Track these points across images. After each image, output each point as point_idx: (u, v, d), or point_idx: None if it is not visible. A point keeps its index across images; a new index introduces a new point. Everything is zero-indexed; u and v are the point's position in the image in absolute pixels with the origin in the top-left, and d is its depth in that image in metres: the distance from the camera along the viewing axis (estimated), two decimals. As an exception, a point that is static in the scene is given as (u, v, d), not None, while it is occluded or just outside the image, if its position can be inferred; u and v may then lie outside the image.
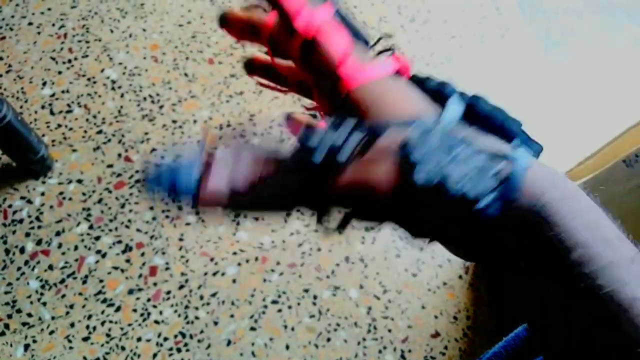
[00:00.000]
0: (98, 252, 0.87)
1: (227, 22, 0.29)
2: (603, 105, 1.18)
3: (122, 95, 1.02)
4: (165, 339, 0.82)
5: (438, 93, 0.24)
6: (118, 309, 0.83)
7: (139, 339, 0.81)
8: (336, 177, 0.21)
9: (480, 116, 0.23)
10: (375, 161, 0.21)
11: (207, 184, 0.21)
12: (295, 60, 0.26)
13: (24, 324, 0.81)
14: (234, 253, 0.89)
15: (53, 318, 0.81)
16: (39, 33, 1.07)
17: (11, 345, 0.79)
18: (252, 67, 0.30)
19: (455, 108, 0.23)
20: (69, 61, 1.05)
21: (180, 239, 0.89)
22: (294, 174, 0.21)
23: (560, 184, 0.21)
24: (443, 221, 0.22)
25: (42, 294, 0.83)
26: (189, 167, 0.22)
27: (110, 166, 0.95)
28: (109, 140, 0.97)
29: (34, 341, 0.80)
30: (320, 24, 0.24)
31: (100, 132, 0.98)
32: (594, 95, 1.19)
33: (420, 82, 0.25)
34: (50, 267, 0.85)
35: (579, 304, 0.20)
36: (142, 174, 0.20)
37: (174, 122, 1.00)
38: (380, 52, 0.26)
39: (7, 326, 0.80)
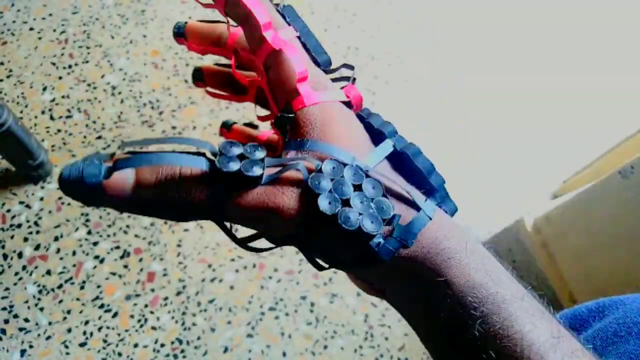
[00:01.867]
0: (96, 257, 0.87)
1: (185, 35, 0.30)
2: (599, 116, 1.19)
3: (122, 101, 1.03)
4: (162, 345, 0.82)
5: (379, 131, 0.25)
6: (115, 314, 0.83)
7: (135, 345, 0.81)
8: (242, 195, 0.22)
9: (408, 165, 0.25)
10: (284, 186, 0.22)
11: (115, 174, 0.21)
12: (259, 71, 0.27)
13: (20, 329, 0.81)
14: (232, 260, 0.90)
15: (50, 323, 0.81)
16: (40, 38, 1.08)
17: (7, 351, 0.79)
18: (200, 76, 0.31)
19: (386, 149, 0.24)
20: (70, 66, 1.05)
21: (178, 245, 0.90)
22: (202, 183, 0.21)
23: (456, 235, 0.23)
24: (341, 252, 0.23)
25: (39, 299, 0.83)
26: (103, 156, 0.21)
27: (109, 172, 0.95)
28: (109, 145, 0.97)
29: (31, 346, 0.80)
30: (286, 39, 0.25)
31: (99, 137, 0.98)
32: (590, 106, 1.20)
33: (367, 117, 0.26)
34: (48, 272, 0.85)
35: (478, 342, 0.21)
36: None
37: (174, 128, 1.01)
38: (337, 79, 0.28)
39: (3, 331, 0.80)
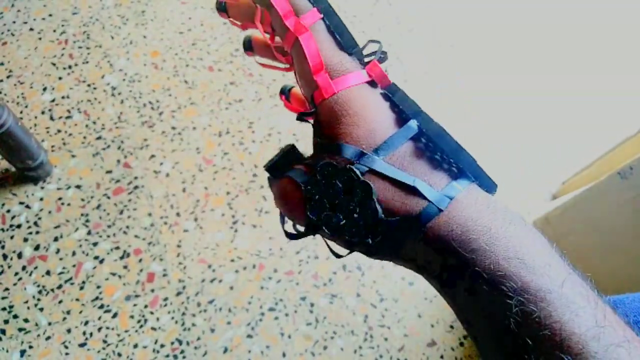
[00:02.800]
0: (96, 258, 0.87)
1: (226, 10, 0.30)
2: (598, 117, 1.19)
3: (121, 102, 1.03)
4: (162, 345, 0.82)
5: (403, 111, 0.25)
6: (115, 315, 0.83)
7: (135, 346, 0.81)
8: (275, 182, 0.26)
9: (436, 144, 0.24)
10: (291, 190, 0.25)
11: None
12: (290, 58, 0.28)
13: (20, 329, 0.81)
14: (232, 260, 0.90)
15: (50, 324, 0.81)
16: (40, 39, 1.08)
17: (7, 351, 0.79)
18: (250, 45, 0.31)
19: (408, 130, 0.24)
20: (70, 67, 1.05)
21: (178, 246, 0.90)
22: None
23: (483, 220, 0.22)
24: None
25: (39, 299, 0.83)
26: None
27: (109, 172, 0.95)
28: (108, 146, 0.97)
29: (30, 347, 0.80)
30: (307, 26, 0.25)
31: (99, 138, 0.98)
32: (589, 106, 1.21)
33: (393, 95, 0.26)
34: (48, 273, 0.85)
35: (515, 330, 0.20)
36: None
37: (173, 128, 1.01)
38: (365, 57, 0.27)
39: (3, 332, 0.80)
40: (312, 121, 0.27)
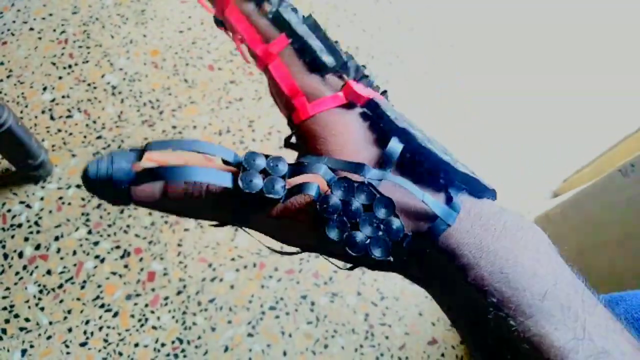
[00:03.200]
0: (96, 257, 0.87)
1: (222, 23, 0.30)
2: (599, 114, 1.19)
3: (122, 101, 1.03)
4: (163, 344, 0.82)
5: (385, 130, 0.24)
6: (116, 314, 0.83)
7: (136, 345, 0.81)
8: (263, 212, 0.22)
9: (418, 159, 0.24)
10: (299, 208, 0.22)
11: (144, 185, 0.21)
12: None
13: (21, 328, 0.81)
14: (232, 259, 0.90)
15: (51, 323, 0.81)
16: (40, 38, 1.08)
17: (8, 351, 0.79)
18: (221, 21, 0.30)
19: (393, 151, 0.23)
20: (70, 66, 1.05)
21: (179, 245, 0.90)
22: (226, 200, 0.22)
23: (474, 233, 0.22)
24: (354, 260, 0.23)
25: (40, 298, 0.83)
26: (130, 157, 0.21)
27: (109, 171, 0.95)
28: (109, 145, 0.97)
29: (32, 346, 0.80)
30: (276, 53, 0.25)
31: (100, 137, 0.98)
32: (590, 104, 1.20)
33: (373, 113, 0.25)
34: (49, 272, 0.85)
35: (495, 345, 0.21)
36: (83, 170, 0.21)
37: (174, 127, 1.01)
38: (342, 70, 0.26)
39: (4, 331, 0.80)
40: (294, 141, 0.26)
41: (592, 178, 0.81)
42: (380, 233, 0.21)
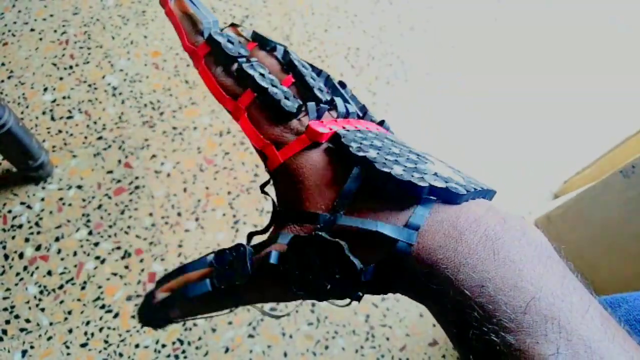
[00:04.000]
0: (97, 258, 0.87)
1: None
2: (600, 116, 1.19)
3: (122, 102, 1.03)
4: (163, 345, 0.82)
5: (348, 160, 0.26)
6: (116, 315, 0.83)
7: (136, 346, 0.81)
8: (245, 291, 0.26)
9: (382, 182, 0.24)
10: (268, 281, 0.26)
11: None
12: None
13: (22, 329, 0.81)
14: (233, 260, 0.90)
15: (51, 324, 0.81)
16: (40, 39, 1.08)
17: (9, 351, 0.79)
18: None
19: (354, 182, 0.25)
20: (70, 67, 1.05)
21: (180, 246, 0.90)
22: (215, 297, 0.27)
23: (450, 247, 0.22)
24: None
25: (40, 299, 0.83)
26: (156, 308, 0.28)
27: (110, 172, 0.95)
28: (109, 146, 0.97)
29: (32, 347, 0.80)
30: (243, 107, 0.27)
31: (100, 138, 0.98)
32: (591, 105, 1.20)
33: (336, 146, 0.26)
34: (49, 273, 0.85)
35: (480, 358, 0.21)
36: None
37: (174, 128, 1.01)
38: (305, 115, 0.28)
39: (4, 332, 0.80)
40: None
41: (593, 179, 0.81)
42: (338, 276, 0.23)
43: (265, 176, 0.98)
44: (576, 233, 0.83)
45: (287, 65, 0.29)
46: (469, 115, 1.14)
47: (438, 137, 1.09)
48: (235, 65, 0.28)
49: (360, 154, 0.24)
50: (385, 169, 0.23)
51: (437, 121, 1.12)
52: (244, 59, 0.28)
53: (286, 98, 0.27)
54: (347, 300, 0.25)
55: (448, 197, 0.23)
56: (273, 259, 0.24)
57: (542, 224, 0.90)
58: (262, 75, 0.28)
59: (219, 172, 0.97)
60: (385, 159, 0.24)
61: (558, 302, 0.20)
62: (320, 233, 0.24)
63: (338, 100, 0.29)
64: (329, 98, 0.29)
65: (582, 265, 0.82)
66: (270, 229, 0.27)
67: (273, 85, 0.28)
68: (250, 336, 0.84)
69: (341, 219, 0.24)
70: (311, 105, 0.28)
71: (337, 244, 0.23)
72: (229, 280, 0.25)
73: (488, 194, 0.25)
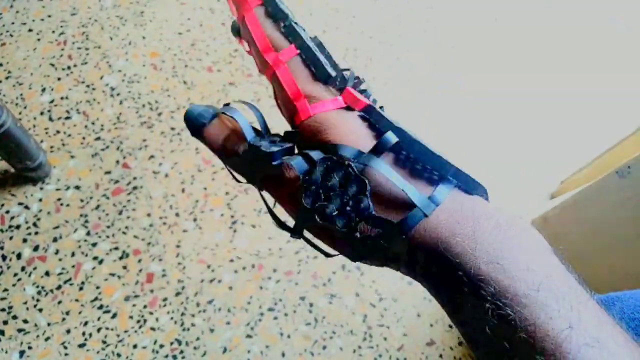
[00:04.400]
0: (95, 258, 0.87)
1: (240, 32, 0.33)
2: (596, 116, 1.19)
3: (120, 102, 1.03)
4: (161, 346, 0.82)
5: (378, 128, 0.27)
6: (114, 315, 0.83)
7: (134, 346, 0.81)
8: (271, 183, 0.27)
9: (412, 156, 0.26)
10: (288, 180, 0.26)
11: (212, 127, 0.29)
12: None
13: (19, 330, 0.81)
14: (231, 260, 0.90)
15: (49, 324, 0.81)
16: (38, 40, 1.08)
17: (6, 352, 0.79)
18: (238, 30, 0.33)
19: (385, 143, 0.25)
20: (68, 68, 1.06)
21: (177, 246, 0.90)
22: (247, 155, 0.27)
23: (467, 225, 0.23)
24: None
25: (38, 300, 0.83)
26: (209, 111, 0.29)
27: (108, 173, 0.95)
28: (107, 147, 0.97)
29: (30, 347, 0.80)
30: (284, 61, 0.28)
31: (98, 138, 0.98)
32: (587, 106, 1.21)
33: (369, 115, 0.27)
34: (47, 273, 0.85)
35: (491, 334, 0.21)
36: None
37: (173, 129, 1.01)
38: (340, 85, 0.29)
39: (2, 332, 0.80)
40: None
41: (590, 180, 0.81)
42: (348, 208, 0.24)
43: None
44: (572, 233, 0.83)
45: (292, 36, 0.30)
46: (468, 116, 1.15)
47: (437, 137, 1.10)
48: (284, 22, 0.29)
49: (397, 125, 0.26)
50: (420, 140, 0.25)
51: (436, 121, 1.12)
52: (293, 17, 0.30)
53: (325, 63, 0.28)
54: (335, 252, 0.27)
55: (467, 184, 0.25)
56: (298, 165, 0.25)
57: (539, 224, 0.91)
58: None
59: (217, 172, 0.98)
60: (417, 137, 0.26)
61: (567, 287, 0.21)
62: (351, 164, 0.24)
63: (363, 85, 0.30)
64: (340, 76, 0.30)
65: (578, 265, 0.82)
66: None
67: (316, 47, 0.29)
68: (248, 336, 0.84)
69: (374, 161, 0.24)
70: (351, 73, 0.29)
71: (362, 181, 0.24)
72: (261, 147, 0.26)
73: (486, 192, 0.26)
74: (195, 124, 0.28)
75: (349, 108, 0.27)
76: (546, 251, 0.23)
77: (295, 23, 0.29)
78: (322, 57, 0.28)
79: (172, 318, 0.84)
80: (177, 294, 0.86)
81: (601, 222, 0.77)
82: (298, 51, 0.28)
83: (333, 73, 0.28)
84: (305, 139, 0.27)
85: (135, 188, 0.94)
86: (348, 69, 0.30)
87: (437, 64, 1.21)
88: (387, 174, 0.24)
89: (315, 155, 0.25)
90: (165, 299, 0.85)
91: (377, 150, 0.25)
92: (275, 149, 0.26)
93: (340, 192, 0.24)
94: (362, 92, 0.30)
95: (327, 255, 0.28)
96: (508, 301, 0.21)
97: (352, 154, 0.25)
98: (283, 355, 0.83)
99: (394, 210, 0.24)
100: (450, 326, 0.90)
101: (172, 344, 0.82)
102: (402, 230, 0.23)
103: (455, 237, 0.22)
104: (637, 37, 1.36)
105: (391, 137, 0.25)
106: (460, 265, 0.22)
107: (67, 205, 0.91)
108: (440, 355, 0.87)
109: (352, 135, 0.26)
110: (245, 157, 0.27)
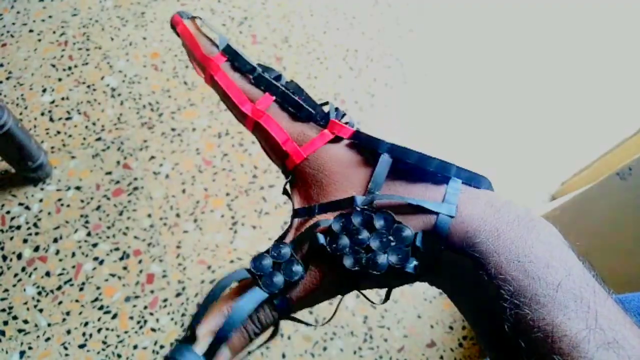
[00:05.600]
0: (95, 259, 0.87)
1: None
2: (597, 118, 1.19)
3: (121, 103, 1.03)
4: (162, 346, 0.82)
5: (372, 149, 0.27)
6: (115, 316, 0.83)
7: (135, 347, 0.81)
8: (294, 291, 0.25)
9: (410, 166, 0.26)
10: (316, 264, 0.25)
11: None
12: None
13: (19, 330, 0.81)
14: (231, 261, 0.90)
15: (49, 325, 0.81)
16: (39, 40, 1.08)
17: (7, 352, 0.79)
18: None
19: (383, 165, 0.26)
20: (69, 68, 1.06)
21: (178, 247, 0.90)
22: (265, 310, 0.25)
23: (489, 220, 0.23)
24: (385, 283, 0.25)
25: (38, 300, 0.83)
26: (189, 350, 0.24)
27: (108, 173, 0.95)
28: (108, 147, 0.97)
29: (30, 348, 0.80)
30: (264, 109, 0.28)
31: (99, 139, 0.98)
32: (588, 107, 1.21)
33: (358, 140, 0.28)
34: (47, 274, 0.85)
35: (509, 333, 0.21)
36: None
37: (173, 130, 1.01)
38: (323, 120, 0.29)
39: (2, 333, 0.80)
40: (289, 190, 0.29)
41: (590, 181, 0.81)
42: (393, 244, 0.23)
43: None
44: (573, 234, 0.83)
45: (264, 85, 0.30)
46: (467, 117, 1.15)
47: (436, 139, 1.10)
48: (252, 74, 0.29)
49: (388, 141, 0.26)
50: (413, 149, 0.25)
51: (435, 123, 1.12)
52: (260, 67, 0.30)
53: (303, 101, 0.29)
54: (383, 298, 0.26)
55: (472, 179, 0.25)
56: (321, 239, 0.24)
57: (540, 225, 0.91)
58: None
59: (217, 173, 0.98)
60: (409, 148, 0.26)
61: (585, 286, 0.21)
62: (364, 207, 0.24)
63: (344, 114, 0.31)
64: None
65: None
66: (293, 228, 0.27)
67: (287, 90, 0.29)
68: (249, 337, 0.84)
69: (379, 196, 0.24)
70: (331, 105, 0.29)
71: (386, 213, 0.24)
72: (279, 282, 0.24)
73: (491, 185, 0.27)
74: None
75: (336, 138, 0.27)
76: (564, 246, 0.23)
77: (264, 71, 0.29)
78: (298, 98, 0.29)
79: (172, 319, 0.84)
80: (178, 294, 0.86)
81: (602, 223, 0.77)
82: (274, 97, 0.29)
83: (313, 111, 0.28)
84: (301, 188, 0.27)
85: (135, 189, 0.94)
86: (326, 103, 0.30)
87: (435, 66, 1.21)
88: (395, 199, 0.24)
89: (323, 223, 0.25)
90: (165, 300, 0.85)
91: (376, 178, 0.25)
92: (297, 269, 0.24)
93: (376, 235, 0.24)
94: (346, 123, 0.31)
95: (373, 302, 0.28)
96: (527, 300, 0.21)
97: (355, 203, 0.25)
98: (283, 356, 0.83)
99: (420, 223, 0.24)
100: (450, 327, 0.90)
101: (172, 344, 0.82)
102: (438, 238, 0.23)
103: (479, 235, 0.22)
104: (637, 39, 1.36)
105: (386, 158, 0.26)
106: (483, 263, 0.22)
107: (68, 205, 0.91)
108: (441, 357, 0.87)
109: (345, 178, 0.26)
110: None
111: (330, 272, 0.24)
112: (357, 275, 0.24)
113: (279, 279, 0.24)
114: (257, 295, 0.24)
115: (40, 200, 0.91)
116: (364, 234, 0.24)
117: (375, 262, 0.23)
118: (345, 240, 0.24)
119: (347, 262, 0.24)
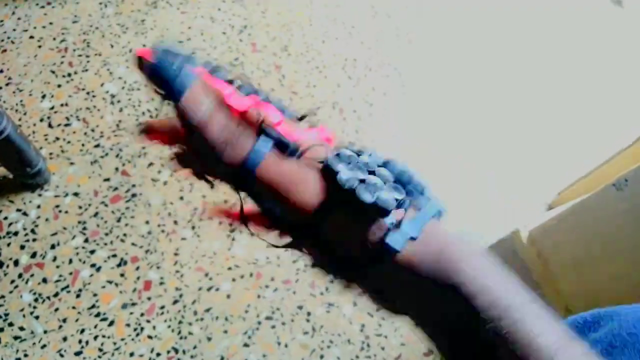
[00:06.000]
0: (93, 265, 0.87)
1: (148, 131, 0.30)
2: (594, 128, 1.20)
3: (120, 110, 1.03)
4: (158, 354, 0.81)
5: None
6: (111, 323, 0.83)
7: (131, 354, 0.81)
8: (277, 162, 0.25)
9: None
10: (310, 164, 0.24)
11: (194, 91, 0.24)
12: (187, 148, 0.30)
13: (15, 337, 0.80)
14: (229, 268, 0.90)
15: (45, 332, 0.81)
16: (39, 46, 1.08)
17: (2, 359, 0.79)
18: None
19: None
20: (69, 75, 1.06)
21: (175, 254, 0.90)
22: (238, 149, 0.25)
23: (462, 240, 0.24)
24: (352, 243, 0.24)
25: (35, 307, 0.83)
26: (191, 70, 0.24)
27: (107, 180, 0.95)
28: (107, 154, 0.98)
29: (26, 355, 0.79)
30: (253, 104, 0.28)
31: (98, 145, 0.98)
32: (585, 118, 1.22)
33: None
34: (44, 280, 0.85)
35: (487, 344, 0.22)
36: (154, 53, 0.24)
37: (172, 137, 1.01)
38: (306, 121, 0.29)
39: (-2, 339, 0.80)
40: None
41: (587, 191, 0.82)
42: (391, 183, 0.24)
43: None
44: (570, 244, 0.84)
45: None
46: (464, 127, 1.15)
47: (434, 149, 1.10)
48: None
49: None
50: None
51: (433, 132, 1.13)
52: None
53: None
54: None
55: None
56: (323, 153, 0.25)
57: (537, 234, 0.91)
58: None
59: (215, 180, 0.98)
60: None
61: (543, 306, 0.22)
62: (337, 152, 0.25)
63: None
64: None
65: (576, 276, 0.83)
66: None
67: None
68: (246, 345, 0.84)
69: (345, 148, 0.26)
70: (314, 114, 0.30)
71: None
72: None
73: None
74: (175, 90, 0.26)
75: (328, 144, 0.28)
76: (514, 280, 0.23)
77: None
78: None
79: (169, 326, 0.84)
80: (175, 302, 0.86)
81: (599, 233, 0.78)
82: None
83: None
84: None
85: (134, 195, 0.94)
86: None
87: (433, 75, 1.22)
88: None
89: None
90: (162, 307, 0.85)
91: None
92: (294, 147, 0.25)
93: (378, 173, 0.25)
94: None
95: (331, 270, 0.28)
96: (503, 313, 0.21)
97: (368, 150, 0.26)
98: (280, 364, 0.83)
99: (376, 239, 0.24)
100: (447, 336, 0.90)
101: (169, 352, 0.82)
102: (416, 226, 0.23)
103: (454, 254, 0.23)
104: (634, 52, 1.37)
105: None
106: (458, 276, 0.22)
107: (66, 212, 0.91)
108: (438, 366, 0.87)
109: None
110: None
111: (317, 181, 0.24)
112: (335, 203, 0.24)
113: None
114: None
115: (38, 207, 0.91)
116: (366, 166, 0.24)
117: (365, 189, 0.23)
118: (345, 163, 0.24)
119: (342, 175, 0.23)
